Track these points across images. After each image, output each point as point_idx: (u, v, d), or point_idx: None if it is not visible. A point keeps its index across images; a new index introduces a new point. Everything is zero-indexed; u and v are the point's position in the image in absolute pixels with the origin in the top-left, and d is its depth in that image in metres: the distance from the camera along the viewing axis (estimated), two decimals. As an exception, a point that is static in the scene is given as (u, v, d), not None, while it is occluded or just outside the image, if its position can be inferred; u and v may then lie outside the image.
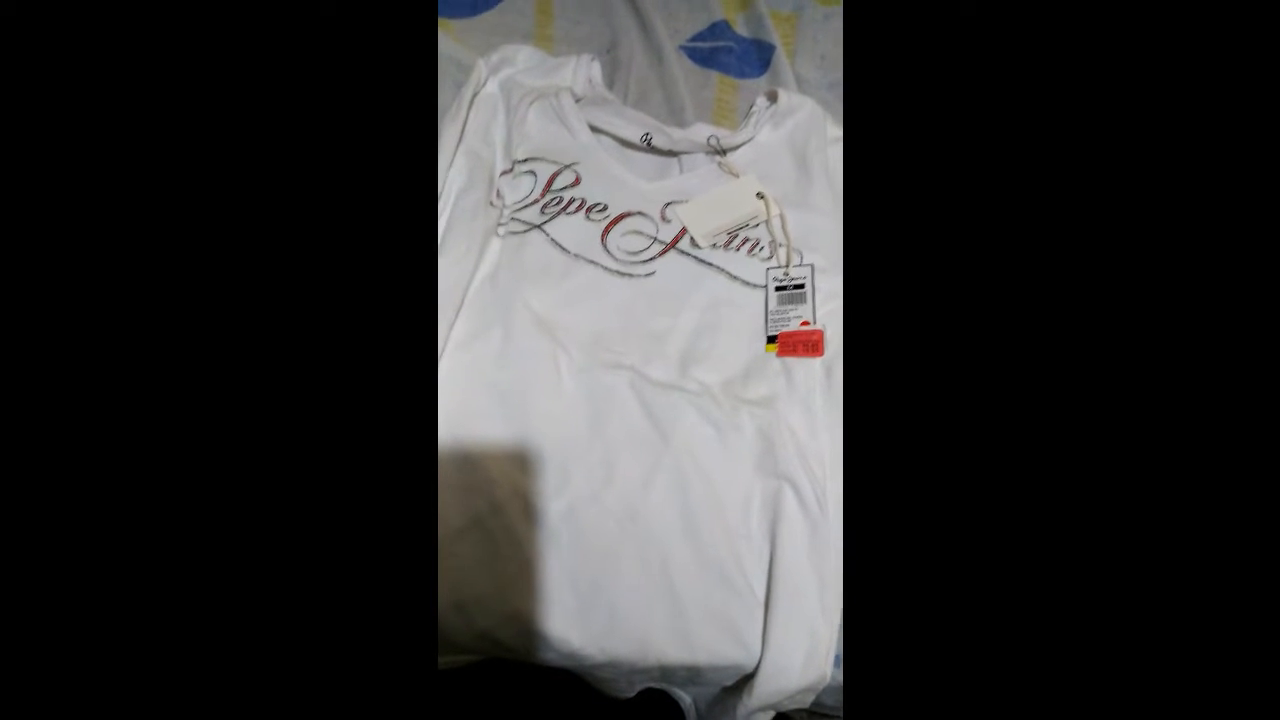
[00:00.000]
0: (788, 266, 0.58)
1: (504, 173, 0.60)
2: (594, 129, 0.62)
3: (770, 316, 0.56)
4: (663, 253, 0.58)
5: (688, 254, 0.58)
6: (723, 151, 0.62)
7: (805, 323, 0.56)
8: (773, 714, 0.52)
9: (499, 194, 0.59)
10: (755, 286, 0.57)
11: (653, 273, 0.57)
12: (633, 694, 0.54)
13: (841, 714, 0.54)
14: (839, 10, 0.77)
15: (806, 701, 0.50)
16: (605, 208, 0.59)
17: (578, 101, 0.64)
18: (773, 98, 0.65)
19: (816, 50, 0.76)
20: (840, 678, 0.50)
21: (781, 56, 0.74)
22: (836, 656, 0.50)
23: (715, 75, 0.74)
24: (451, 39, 0.72)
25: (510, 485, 0.50)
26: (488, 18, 0.75)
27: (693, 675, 0.50)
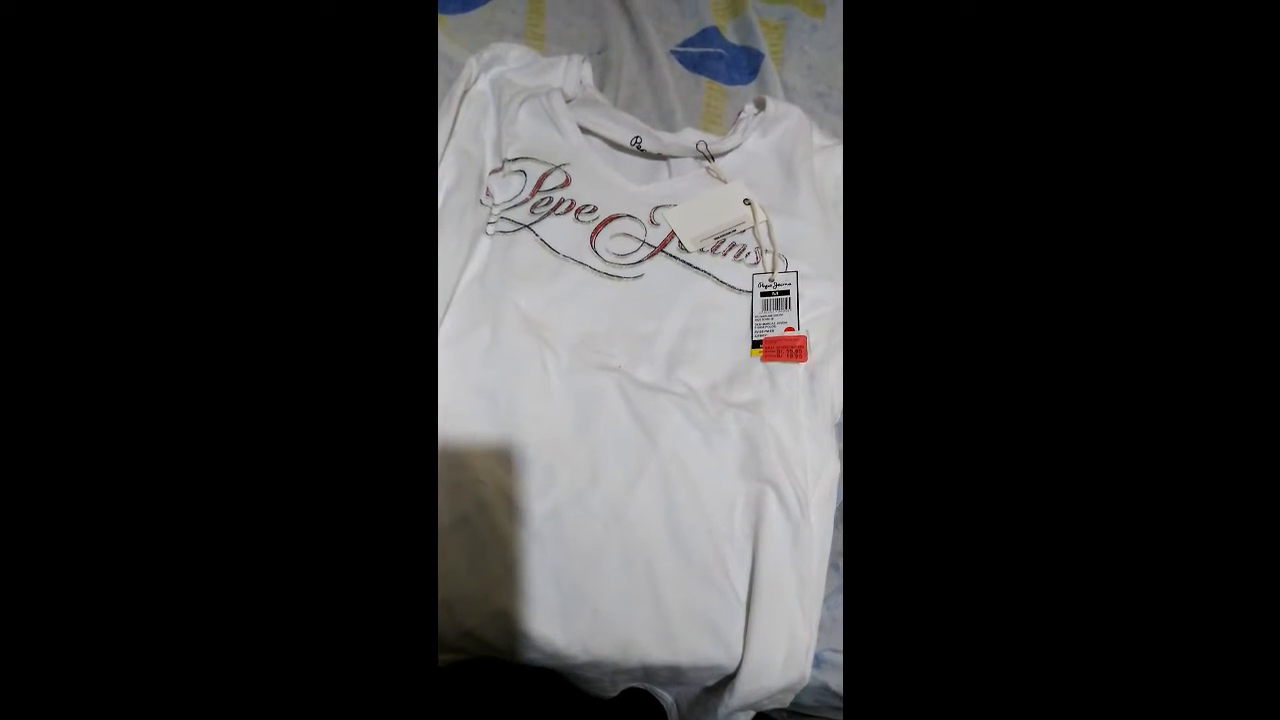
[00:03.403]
0: (773, 273, 0.58)
1: (494, 171, 0.60)
2: (584, 130, 0.62)
3: (755, 321, 0.57)
4: (651, 255, 0.58)
5: (676, 258, 0.59)
6: (711, 157, 0.63)
7: (789, 329, 0.56)
8: (753, 713, 0.52)
9: (488, 193, 0.59)
10: (741, 291, 0.58)
11: (641, 275, 0.58)
12: (615, 693, 0.55)
13: (820, 714, 0.55)
14: (825, 22, 0.79)
15: (786, 701, 0.51)
16: (595, 209, 0.59)
17: (568, 102, 0.64)
18: (761, 105, 0.66)
19: (804, 60, 0.77)
20: (820, 678, 0.51)
21: (770, 64, 0.75)
22: (816, 656, 0.50)
23: (705, 81, 0.75)
24: (443, 35, 0.71)
25: (496, 485, 0.50)
26: (479, 14, 0.74)
27: (675, 675, 0.50)
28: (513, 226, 0.58)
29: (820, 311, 0.58)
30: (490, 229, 0.58)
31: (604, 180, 0.61)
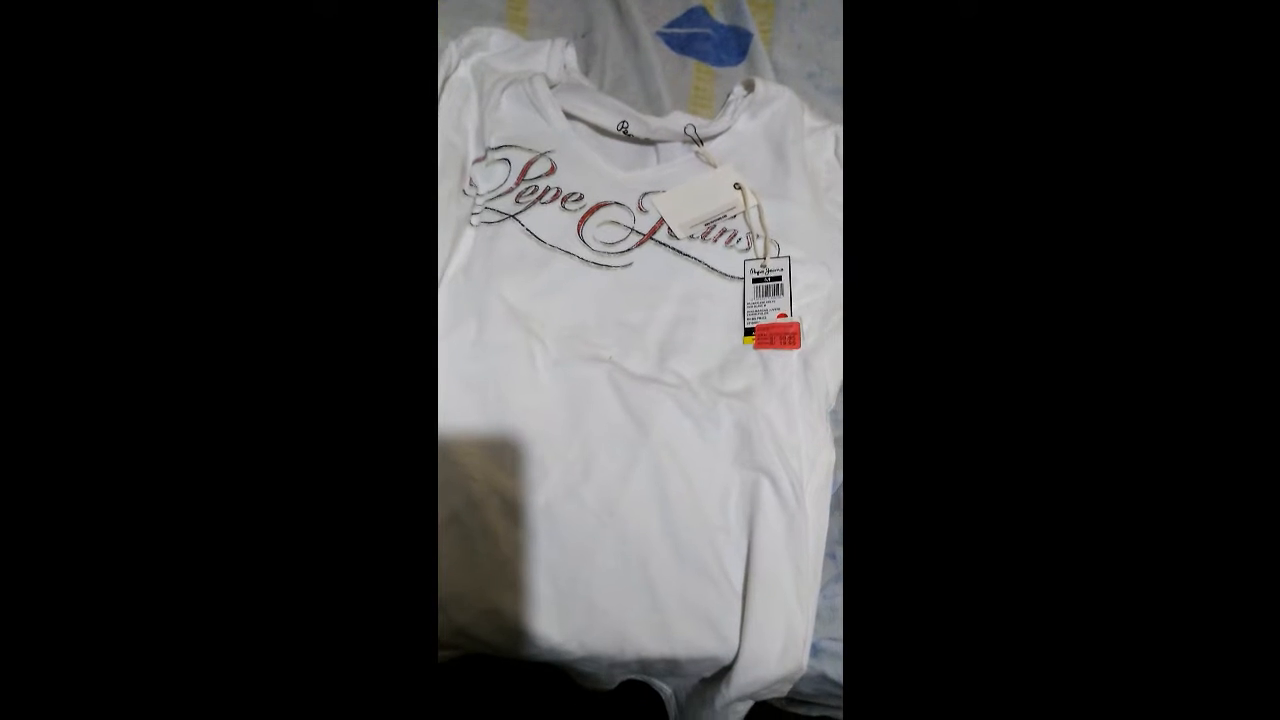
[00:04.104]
0: (765, 258, 0.57)
1: (477, 160, 0.59)
2: (569, 116, 0.61)
3: (747, 309, 0.56)
4: (640, 243, 0.57)
5: (665, 245, 0.57)
6: (700, 141, 0.62)
7: (782, 315, 0.56)
8: (751, 703, 0.52)
9: (472, 182, 0.58)
10: (733, 278, 0.57)
11: (630, 264, 0.57)
12: (613, 686, 0.54)
13: (819, 702, 0.55)
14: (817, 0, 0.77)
15: (784, 691, 0.51)
16: (581, 197, 0.58)
17: (552, 87, 0.62)
18: (750, 87, 0.65)
19: (794, 39, 0.75)
20: (818, 667, 0.51)
21: (759, 44, 0.73)
22: (813, 645, 0.50)
23: (692, 63, 0.73)
24: (421, 20, 0.70)
25: (487, 481, 0.49)
26: (459, -2, 0.73)
27: (672, 668, 0.50)
28: (497, 217, 0.57)
29: (813, 297, 0.57)
30: (475, 219, 0.57)
31: (590, 167, 0.59)
